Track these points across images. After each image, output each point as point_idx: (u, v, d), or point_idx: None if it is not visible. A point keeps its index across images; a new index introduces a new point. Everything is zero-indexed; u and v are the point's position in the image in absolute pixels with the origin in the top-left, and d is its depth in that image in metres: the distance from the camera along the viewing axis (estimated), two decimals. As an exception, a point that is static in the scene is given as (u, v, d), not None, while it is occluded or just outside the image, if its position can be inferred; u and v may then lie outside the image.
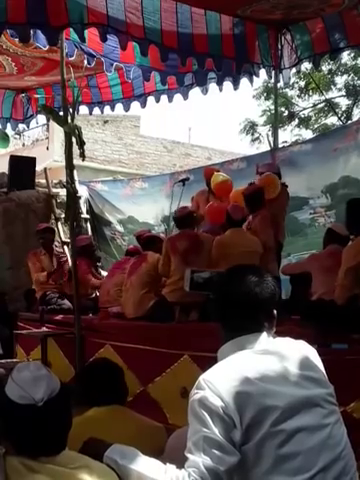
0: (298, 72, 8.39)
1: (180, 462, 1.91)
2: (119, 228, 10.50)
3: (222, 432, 1.86)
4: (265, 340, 2.08)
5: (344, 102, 18.37)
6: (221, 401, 1.89)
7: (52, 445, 1.95)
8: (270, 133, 13.37)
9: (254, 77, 7.29)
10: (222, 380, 1.94)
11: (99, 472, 1.93)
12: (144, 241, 7.01)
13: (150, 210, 10.12)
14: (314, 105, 18.42)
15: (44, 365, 2.27)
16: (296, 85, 17.60)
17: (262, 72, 7.32)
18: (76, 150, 6.07)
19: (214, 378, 1.95)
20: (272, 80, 8.27)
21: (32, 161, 10.01)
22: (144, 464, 1.97)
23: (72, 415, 2.07)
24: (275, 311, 2.15)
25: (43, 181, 9.95)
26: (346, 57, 16.71)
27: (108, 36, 5.35)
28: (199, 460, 1.84)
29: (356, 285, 4.56)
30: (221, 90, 7.52)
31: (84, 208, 10.29)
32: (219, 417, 1.87)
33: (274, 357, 2.03)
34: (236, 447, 1.87)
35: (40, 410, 1.91)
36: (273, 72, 7.44)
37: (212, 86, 7.55)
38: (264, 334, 2.09)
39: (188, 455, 1.88)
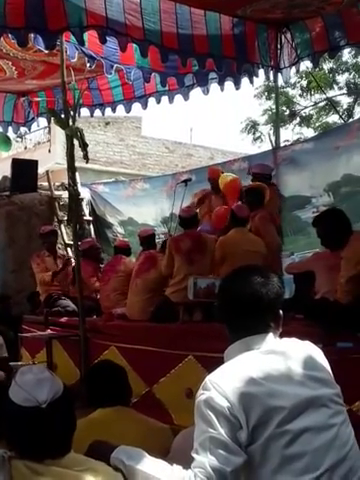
0: (297, 71, 8.35)
1: (186, 463, 1.91)
2: (120, 230, 10.51)
3: (228, 432, 1.86)
4: (271, 341, 2.09)
5: (345, 100, 18.41)
6: (227, 402, 1.89)
7: (57, 447, 1.95)
8: (272, 132, 13.40)
9: (254, 77, 7.28)
10: (228, 381, 1.94)
11: (105, 475, 1.93)
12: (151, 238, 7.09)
13: (150, 211, 10.12)
14: (315, 104, 18.42)
15: (47, 368, 2.28)
16: (298, 84, 17.61)
17: (262, 72, 7.31)
18: (78, 152, 6.07)
19: (220, 379, 1.96)
20: (272, 79, 8.26)
21: (34, 164, 10.02)
22: (150, 465, 1.97)
23: (76, 417, 2.08)
24: (281, 311, 2.16)
25: (45, 184, 9.96)
26: (347, 55, 16.75)
27: (107, 38, 5.35)
28: (205, 460, 1.84)
29: (358, 289, 4.55)
30: (222, 90, 7.51)
31: (87, 210, 10.31)
32: (225, 417, 1.88)
33: (280, 357, 2.03)
34: (242, 447, 1.87)
35: (44, 412, 1.92)
36: (271, 72, 7.43)
37: (213, 86, 7.54)
38: (270, 335, 2.10)
39: (194, 455, 1.88)
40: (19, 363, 6.62)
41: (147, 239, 7.32)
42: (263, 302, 2.09)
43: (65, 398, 1.98)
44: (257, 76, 7.33)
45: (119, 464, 2.00)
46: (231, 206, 6.82)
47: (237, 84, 7.32)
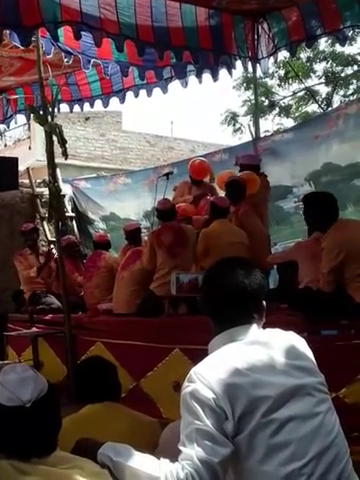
0: (275, 61, 8.36)
1: (174, 456, 1.91)
2: (102, 225, 10.47)
3: (214, 424, 1.86)
4: (255, 331, 2.09)
5: (324, 89, 18.48)
6: (212, 393, 1.89)
7: (43, 446, 1.94)
8: (251, 123, 13.37)
9: (232, 68, 7.28)
10: (213, 372, 1.94)
11: (91, 472, 1.92)
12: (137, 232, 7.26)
13: (132, 206, 10.10)
14: (294, 93, 18.46)
15: (32, 366, 2.27)
16: (276, 74, 17.62)
17: (239, 63, 7.31)
18: (58, 149, 6.04)
19: (205, 370, 1.96)
20: (250, 70, 8.26)
21: (14, 161, 9.94)
22: (138, 460, 1.96)
23: (61, 415, 2.07)
24: (264, 302, 2.16)
25: (27, 181, 9.90)
26: (324, 44, 16.78)
27: (83, 33, 5.32)
28: (192, 452, 1.84)
29: (340, 278, 4.58)
30: (201, 82, 7.52)
31: (69, 206, 10.25)
32: (211, 409, 1.88)
33: (264, 348, 2.04)
34: (229, 438, 1.88)
35: (28, 411, 1.90)
36: (249, 63, 7.43)
37: (192, 79, 7.54)
38: (254, 326, 2.10)
39: (181, 448, 1.88)
40: (5, 362, 6.60)
41: (132, 233, 7.32)
42: (246, 293, 2.09)
43: (50, 396, 1.97)
44: (235, 68, 7.34)
45: (106, 460, 1.99)
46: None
47: (214, 76, 7.31)
